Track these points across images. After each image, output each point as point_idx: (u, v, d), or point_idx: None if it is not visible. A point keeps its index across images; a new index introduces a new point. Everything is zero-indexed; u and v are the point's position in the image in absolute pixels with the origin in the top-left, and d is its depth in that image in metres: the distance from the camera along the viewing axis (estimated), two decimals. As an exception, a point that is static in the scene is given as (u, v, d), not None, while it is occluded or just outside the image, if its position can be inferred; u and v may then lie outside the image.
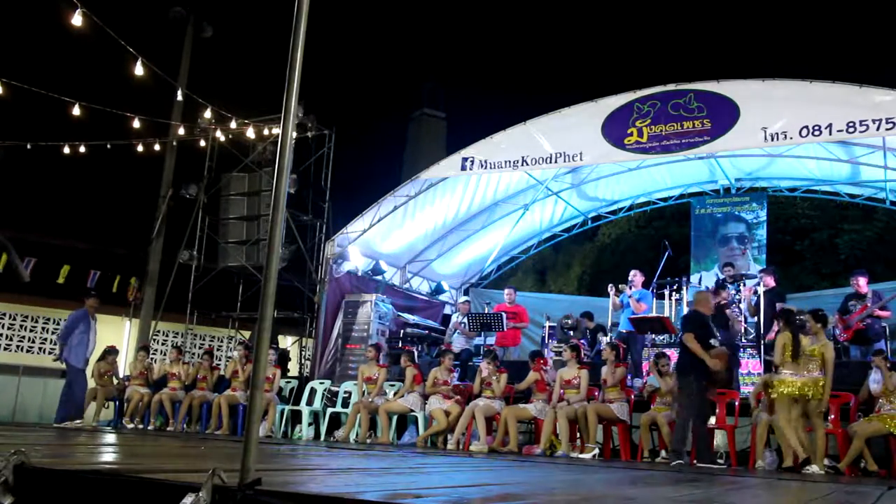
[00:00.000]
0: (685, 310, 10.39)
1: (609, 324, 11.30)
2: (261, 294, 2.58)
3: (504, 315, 10.71)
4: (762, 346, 9.78)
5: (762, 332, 10.02)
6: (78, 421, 9.62)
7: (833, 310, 9.54)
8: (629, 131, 9.72)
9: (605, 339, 10.39)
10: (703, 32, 32.37)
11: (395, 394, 9.27)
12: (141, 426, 10.23)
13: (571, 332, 10.77)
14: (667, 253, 11.08)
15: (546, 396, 8.34)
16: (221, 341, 16.89)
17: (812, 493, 4.30)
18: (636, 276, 10.53)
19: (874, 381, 7.04)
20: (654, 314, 10.05)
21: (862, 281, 9.18)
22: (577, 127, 10.09)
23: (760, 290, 10.42)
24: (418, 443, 8.60)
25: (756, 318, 10.13)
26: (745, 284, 10.58)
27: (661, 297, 10.85)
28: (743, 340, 10.24)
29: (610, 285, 10.99)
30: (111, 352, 11.00)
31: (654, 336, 10.22)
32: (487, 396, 8.52)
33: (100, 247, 17.59)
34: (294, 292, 12.88)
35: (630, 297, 10.33)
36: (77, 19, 8.15)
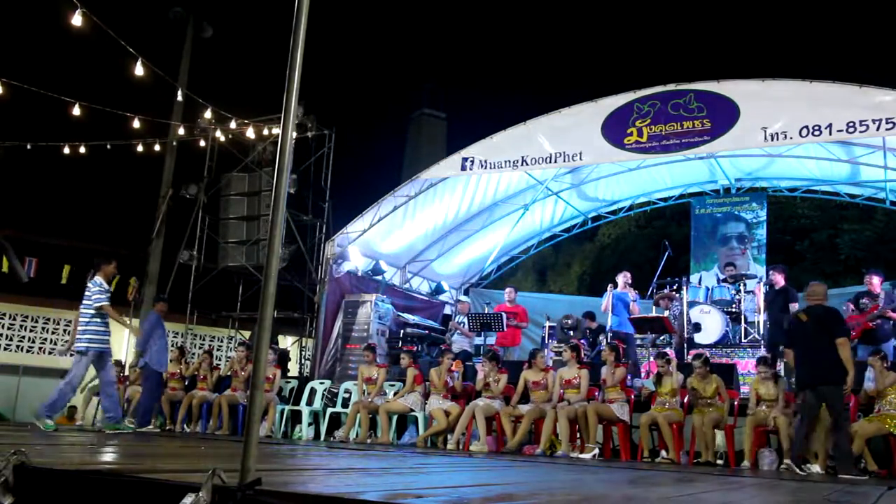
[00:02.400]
0: (685, 310, 10.40)
1: (609, 324, 11.33)
2: (261, 294, 2.58)
3: (504, 315, 10.72)
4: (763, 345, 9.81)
5: (764, 330, 10.05)
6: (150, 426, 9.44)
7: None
8: (629, 131, 9.72)
9: (605, 339, 10.41)
10: (703, 32, 32.38)
11: (395, 394, 9.27)
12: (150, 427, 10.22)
13: (571, 332, 10.78)
14: (667, 253, 11.10)
15: (547, 396, 8.35)
16: (221, 341, 16.89)
17: (812, 493, 4.30)
18: (620, 277, 10.57)
19: (868, 379, 7.09)
20: (653, 314, 10.07)
21: (876, 280, 9.13)
22: (577, 127, 10.09)
23: (760, 290, 10.45)
24: (418, 443, 8.60)
25: (759, 318, 10.15)
26: (745, 284, 10.59)
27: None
28: (744, 339, 10.28)
29: (610, 286, 11.06)
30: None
31: (654, 335, 10.23)
32: (487, 396, 8.52)
33: (100, 247, 17.58)
34: (294, 292, 12.88)
35: (633, 300, 10.35)
36: (77, 19, 8.14)
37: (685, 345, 10.06)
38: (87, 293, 7.91)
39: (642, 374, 9.66)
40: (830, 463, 6.83)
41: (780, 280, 9.89)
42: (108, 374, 8.01)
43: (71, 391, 7.78)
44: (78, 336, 7.84)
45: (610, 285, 10.57)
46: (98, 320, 7.81)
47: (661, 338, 10.30)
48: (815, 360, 6.26)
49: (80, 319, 7.86)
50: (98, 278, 7.97)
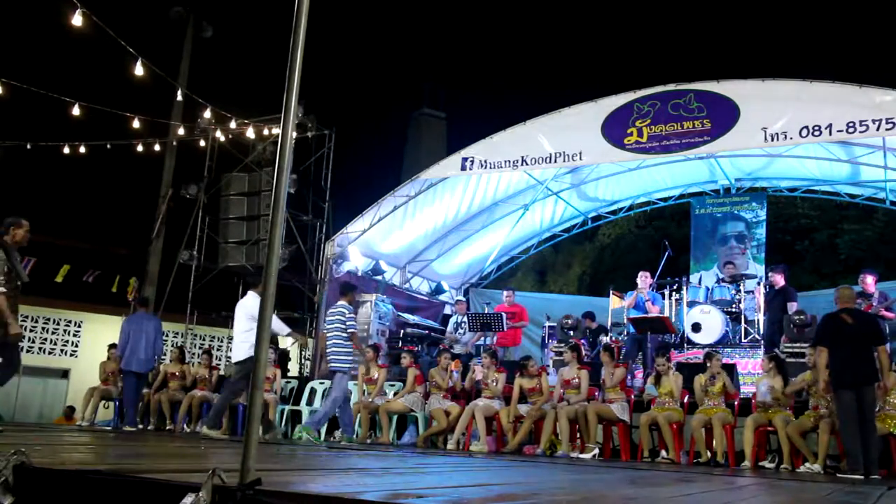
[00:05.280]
0: (685, 309, 10.39)
1: (609, 324, 11.31)
2: (261, 294, 2.58)
3: (504, 315, 10.72)
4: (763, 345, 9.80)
5: (764, 330, 10.05)
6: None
7: (831, 309, 9.53)
8: (629, 131, 9.72)
9: (605, 339, 10.40)
10: (703, 32, 32.35)
11: (395, 394, 9.27)
12: (141, 426, 10.22)
13: (572, 332, 10.77)
14: (667, 253, 11.09)
15: (545, 399, 8.35)
16: (221, 341, 16.88)
17: (812, 493, 4.30)
18: (647, 278, 10.50)
19: None
20: (653, 314, 10.06)
21: (870, 280, 9.07)
22: (577, 127, 10.10)
23: (761, 289, 10.44)
24: (418, 443, 8.60)
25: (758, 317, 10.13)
26: (744, 284, 10.59)
27: (660, 296, 10.87)
28: (744, 339, 10.27)
29: (612, 291, 11.07)
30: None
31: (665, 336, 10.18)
32: (487, 396, 8.52)
33: (100, 247, 17.61)
34: (294, 292, 12.89)
35: (647, 300, 10.33)
36: (77, 19, 8.14)
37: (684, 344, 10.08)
38: (334, 317, 8.27)
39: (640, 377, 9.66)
40: (830, 463, 6.84)
41: (779, 280, 9.89)
42: (344, 391, 8.46)
43: (335, 407, 8.29)
44: (334, 357, 8.18)
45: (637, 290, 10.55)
46: (348, 342, 8.20)
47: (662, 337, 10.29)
48: (859, 362, 6.44)
49: (333, 341, 8.21)
50: (343, 302, 8.36)
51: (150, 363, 9.89)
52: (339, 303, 8.40)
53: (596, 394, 8.33)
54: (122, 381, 9.86)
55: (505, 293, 11.90)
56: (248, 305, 7.78)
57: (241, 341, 7.69)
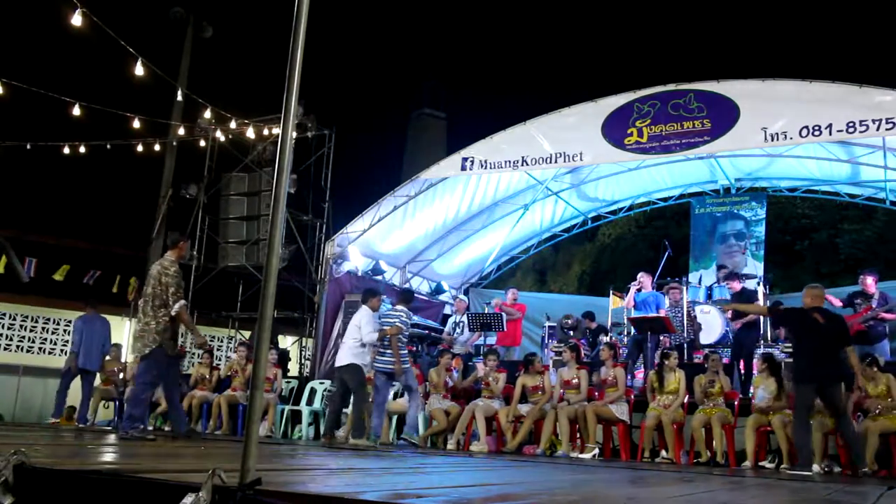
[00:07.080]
0: (685, 309, 10.39)
1: (609, 324, 11.31)
2: (261, 294, 2.58)
3: (504, 315, 10.72)
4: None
5: (763, 330, 10.04)
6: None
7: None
8: (629, 131, 9.72)
9: (605, 339, 10.38)
10: (703, 32, 32.36)
11: (395, 394, 9.26)
12: (141, 426, 10.20)
13: (571, 332, 10.77)
14: (667, 253, 11.09)
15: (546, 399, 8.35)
16: (221, 341, 16.88)
17: (812, 493, 4.30)
18: (645, 278, 10.46)
19: None
20: (653, 314, 10.05)
21: (870, 280, 8.95)
22: (577, 127, 10.10)
23: (761, 290, 10.44)
24: (418, 443, 8.60)
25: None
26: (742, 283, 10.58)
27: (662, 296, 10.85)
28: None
29: (612, 291, 11.03)
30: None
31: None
32: (487, 396, 8.52)
33: (100, 247, 17.59)
34: (294, 292, 12.88)
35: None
36: (77, 19, 8.14)
37: (686, 345, 10.07)
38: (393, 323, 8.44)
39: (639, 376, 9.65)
40: (826, 462, 6.84)
41: (736, 286, 9.85)
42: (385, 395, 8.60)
43: (416, 409, 8.44)
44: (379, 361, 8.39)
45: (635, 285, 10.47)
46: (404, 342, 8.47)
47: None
48: (826, 361, 6.49)
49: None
50: (402, 307, 8.60)
51: (99, 362, 10.32)
52: (399, 307, 8.60)
53: (596, 393, 8.33)
54: (82, 380, 10.24)
55: (511, 291, 11.92)
56: (358, 319, 8.27)
57: (349, 348, 8.11)
